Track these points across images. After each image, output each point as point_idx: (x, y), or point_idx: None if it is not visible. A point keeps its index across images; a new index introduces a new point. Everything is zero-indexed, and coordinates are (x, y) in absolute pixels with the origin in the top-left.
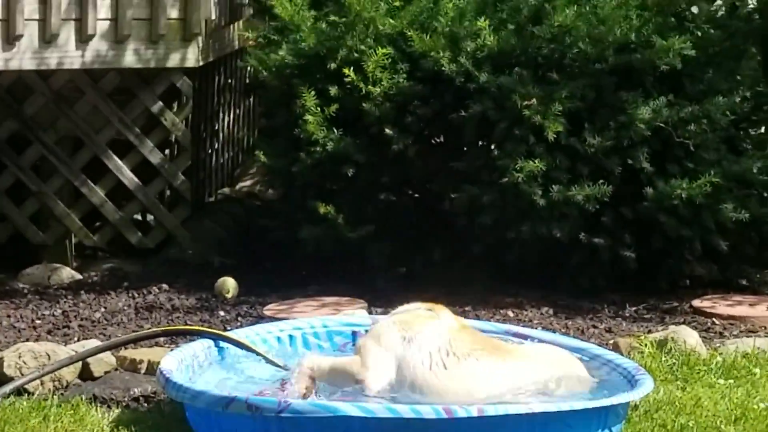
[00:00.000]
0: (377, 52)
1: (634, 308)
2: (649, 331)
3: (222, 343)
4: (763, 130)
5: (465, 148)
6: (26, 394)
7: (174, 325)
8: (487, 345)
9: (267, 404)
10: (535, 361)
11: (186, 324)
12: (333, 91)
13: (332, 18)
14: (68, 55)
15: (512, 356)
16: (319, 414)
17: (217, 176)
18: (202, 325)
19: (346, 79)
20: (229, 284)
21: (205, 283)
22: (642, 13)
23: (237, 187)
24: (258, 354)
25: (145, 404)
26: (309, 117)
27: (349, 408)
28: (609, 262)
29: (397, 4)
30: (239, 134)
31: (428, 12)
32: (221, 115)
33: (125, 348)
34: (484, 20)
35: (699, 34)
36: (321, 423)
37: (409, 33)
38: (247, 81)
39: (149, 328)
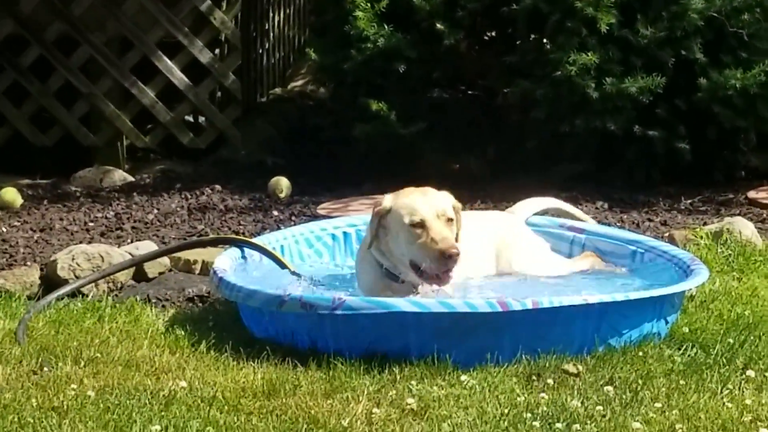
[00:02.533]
0: None
1: (689, 201)
2: (705, 223)
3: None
4: None
5: (517, 42)
6: (81, 296)
7: (224, 232)
8: None
9: (321, 302)
10: None
11: (239, 225)
12: None
13: None
14: None
15: None
16: (373, 310)
17: (269, 76)
18: (255, 226)
19: None
20: (282, 184)
21: (258, 183)
22: None
23: (289, 87)
24: (281, 265)
25: (200, 304)
26: (359, 13)
27: (403, 304)
28: (664, 155)
29: None
30: (290, 33)
31: None
32: (271, 14)
33: None
34: None
35: None
36: (376, 319)
37: None
38: None
39: (203, 230)
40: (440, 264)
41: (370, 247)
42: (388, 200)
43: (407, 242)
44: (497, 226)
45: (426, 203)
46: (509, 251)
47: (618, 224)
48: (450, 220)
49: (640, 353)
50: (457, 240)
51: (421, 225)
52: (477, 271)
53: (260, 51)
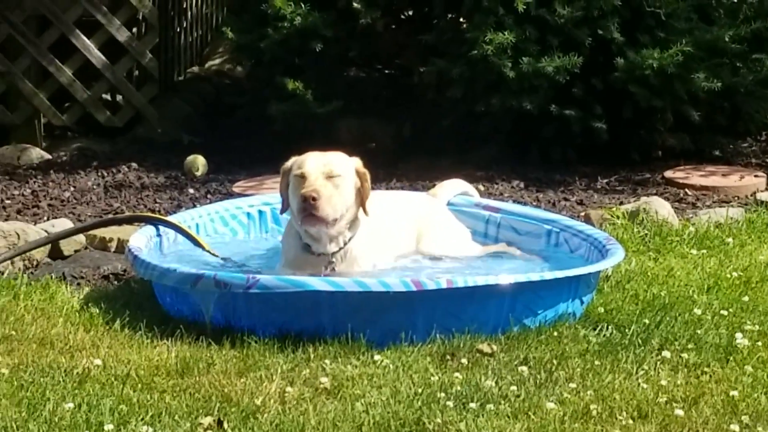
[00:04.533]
0: None
1: (605, 180)
2: (621, 203)
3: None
4: None
5: (434, 21)
6: None
7: (140, 210)
8: None
9: (235, 280)
10: None
11: (155, 203)
12: None
13: None
14: None
15: None
16: (287, 289)
17: (186, 55)
18: (171, 204)
19: None
20: (198, 162)
21: (174, 161)
22: None
23: (206, 65)
24: (201, 246)
25: (115, 282)
26: None
27: (317, 282)
28: (580, 134)
29: None
30: (207, 12)
31: None
32: None
33: None
34: None
35: None
36: (289, 298)
37: None
38: None
39: (118, 208)
40: (301, 207)
41: (283, 212)
42: (292, 159)
43: (292, 195)
44: (419, 208)
45: (313, 159)
46: (430, 233)
47: (534, 203)
48: (332, 176)
49: (555, 333)
50: (364, 207)
51: (303, 176)
52: (396, 249)
53: (178, 29)
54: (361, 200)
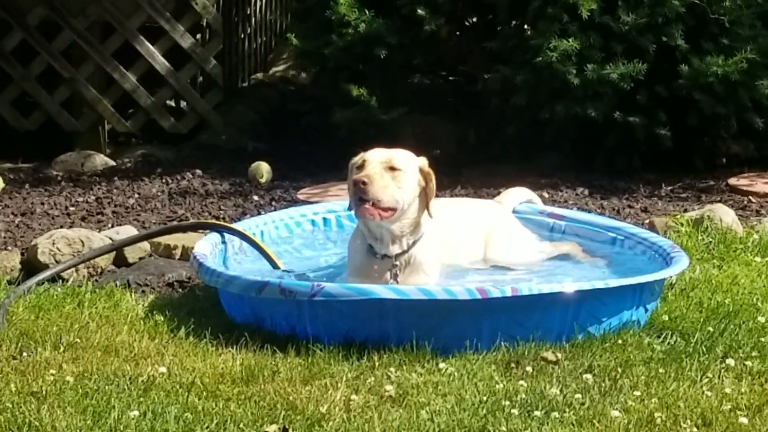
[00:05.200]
0: None
1: (669, 187)
2: (685, 210)
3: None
4: None
5: (498, 28)
6: (61, 281)
7: (205, 217)
8: None
9: (300, 288)
10: None
11: (219, 210)
12: None
13: None
14: None
15: None
16: (352, 297)
17: (250, 61)
18: (235, 211)
19: None
20: (263, 169)
21: (239, 168)
22: None
23: (270, 72)
24: (265, 254)
25: (180, 289)
26: None
27: (381, 290)
28: (644, 142)
29: None
30: (271, 18)
31: None
32: None
33: None
34: None
35: None
36: (354, 306)
37: None
38: None
39: (183, 215)
40: (353, 193)
41: (350, 208)
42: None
43: (349, 184)
44: (486, 216)
45: (376, 151)
46: (497, 240)
47: (598, 211)
48: (393, 168)
49: (620, 341)
50: (428, 208)
51: (361, 166)
52: (465, 257)
53: (242, 36)
54: (425, 201)
